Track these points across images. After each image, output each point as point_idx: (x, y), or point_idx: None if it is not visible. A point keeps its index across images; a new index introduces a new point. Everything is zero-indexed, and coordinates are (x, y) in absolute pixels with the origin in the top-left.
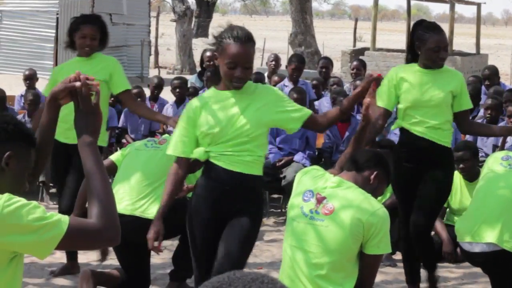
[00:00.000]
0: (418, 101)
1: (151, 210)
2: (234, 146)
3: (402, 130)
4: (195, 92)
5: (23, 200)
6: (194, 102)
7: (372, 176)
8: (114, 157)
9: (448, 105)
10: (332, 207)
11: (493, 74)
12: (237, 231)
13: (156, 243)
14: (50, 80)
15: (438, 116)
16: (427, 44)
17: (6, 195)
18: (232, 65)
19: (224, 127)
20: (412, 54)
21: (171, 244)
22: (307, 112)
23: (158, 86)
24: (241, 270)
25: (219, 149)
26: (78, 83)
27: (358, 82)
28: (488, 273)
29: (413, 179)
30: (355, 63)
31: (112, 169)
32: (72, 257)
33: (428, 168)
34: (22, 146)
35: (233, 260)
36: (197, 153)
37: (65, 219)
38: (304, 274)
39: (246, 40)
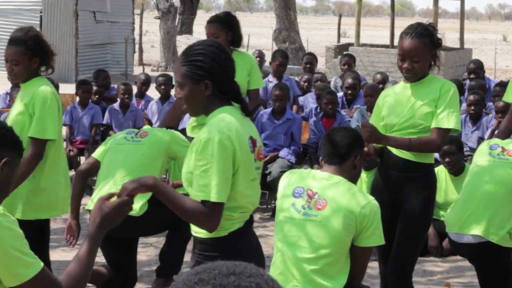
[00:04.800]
0: None
1: (134, 206)
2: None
3: None
4: None
5: (13, 223)
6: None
7: (356, 161)
8: (97, 154)
9: None
10: (324, 202)
11: (478, 68)
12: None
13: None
14: None
15: None
16: None
17: (1, 209)
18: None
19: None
20: None
21: (156, 241)
22: None
23: (146, 82)
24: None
25: None
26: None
27: (349, 80)
28: (475, 264)
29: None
30: (346, 58)
31: (96, 167)
32: None
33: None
34: (16, 155)
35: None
36: None
37: (38, 265)
38: (298, 269)
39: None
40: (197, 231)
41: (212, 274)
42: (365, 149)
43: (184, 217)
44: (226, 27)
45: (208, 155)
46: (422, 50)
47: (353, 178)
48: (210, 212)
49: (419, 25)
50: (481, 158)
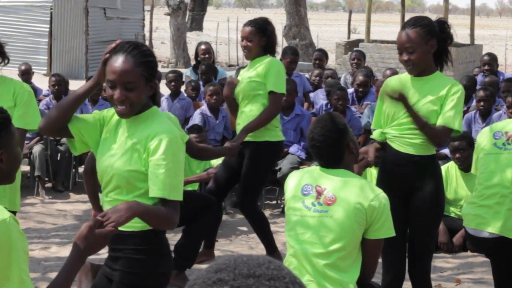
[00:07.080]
0: None
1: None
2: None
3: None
4: (196, 87)
5: (21, 236)
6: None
7: (351, 148)
8: None
9: None
10: (333, 197)
11: (492, 59)
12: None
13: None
14: None
15: None
16: None
17: (11, 217)
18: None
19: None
20: None
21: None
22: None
23: (157, 79)
24: (249, 254)
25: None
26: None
27: (360, 77)
28: (491, 259)
29: None
30: (355, 53)
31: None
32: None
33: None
34: (12, 140)
35: None
36: (376, 134)
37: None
38: (311, 264)
39: None
40: (127, 226)
41: (232, 274)
42: (369, 158)
43: (161, 225)
44: (260, 32)
45: (171, 154)
46: (415, 40)
47: (356, 159)
48: (176, 209)
49: (413, 18)
50: (485, 144)
